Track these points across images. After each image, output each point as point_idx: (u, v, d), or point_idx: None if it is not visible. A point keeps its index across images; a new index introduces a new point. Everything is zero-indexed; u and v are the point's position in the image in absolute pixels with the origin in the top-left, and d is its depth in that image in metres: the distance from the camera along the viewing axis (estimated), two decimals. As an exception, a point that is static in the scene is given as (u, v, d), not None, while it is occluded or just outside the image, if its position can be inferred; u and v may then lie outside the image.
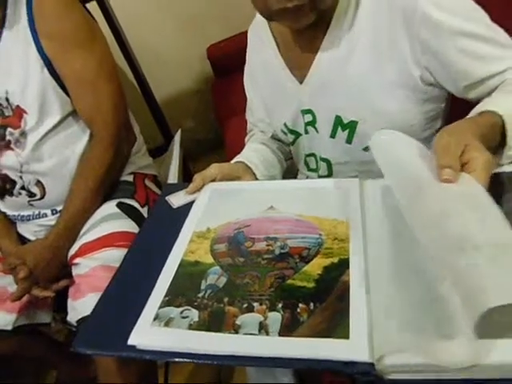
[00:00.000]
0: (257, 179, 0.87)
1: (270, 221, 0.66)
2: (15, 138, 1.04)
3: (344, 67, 0.76)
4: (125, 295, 0.63)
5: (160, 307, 0.56)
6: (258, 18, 0.89)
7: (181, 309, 0.55)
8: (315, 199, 0.69)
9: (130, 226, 1.04)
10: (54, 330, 1.30)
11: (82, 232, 1.04)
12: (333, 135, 0.84)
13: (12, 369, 1.32)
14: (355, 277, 0.53)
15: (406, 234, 0.53)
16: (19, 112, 1.02)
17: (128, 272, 0.68)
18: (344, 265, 0.55)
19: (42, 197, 1.09)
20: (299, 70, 0.83)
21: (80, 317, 0.94)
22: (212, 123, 1.98)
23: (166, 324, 0.53)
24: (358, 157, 0.83)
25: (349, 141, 0.82)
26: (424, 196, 0.51)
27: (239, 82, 1.04)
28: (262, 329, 0.50)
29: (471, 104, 0.70)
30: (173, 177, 1.29)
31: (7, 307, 1.03)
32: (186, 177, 1.46)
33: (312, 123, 0.86)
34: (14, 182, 1.08)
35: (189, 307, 0.55)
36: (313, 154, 0.92)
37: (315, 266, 0.56)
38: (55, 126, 1.04)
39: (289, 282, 0.55)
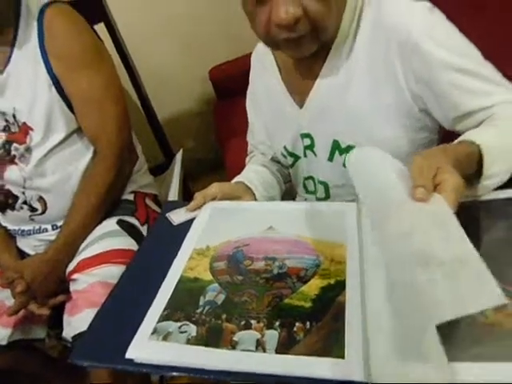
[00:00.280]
0: (256, 200, 0.88)
1: (269, 241, 0.68)
2: (20, 153, 1.06)
3: (342, 94, 0.79)
4: (123, 310, 0.64)
5: (158, 321, 0.57)
6: (262, 43, 0.92)
7: (179, 323, 0.56)
8: (314, 221, 0.70)
9: (130, 244, 1.05)
10: (48, 346, 1.29)
11: (81, 248, 1.05)
12: (330, 159, 0.86)
13: (6, 384, 1.31)
14: (351, 298, 0.54)
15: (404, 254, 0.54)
16: (25, 128, 1.04)
17: (126, 287, 0.69)
18: (340, 286, 0.56)
19: (44, 212, 1.11)
20: (299, 96, 0.86)
21: (76, 332, 0.94)
22: (212, 144, 2.00)
23: (164, 338, 0.54)
24: (355, 181, 0.85)
25: (346, 165, 0.84)
26: (393, 213, 0.53)
27: (240, 104, 1.07)
28: (259, 346, 0.51)
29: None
30: (173, 195, 1.30)
31: (3, 321, 1.03)
32: (186, 196, 1.47)
33: (311, 147, 0.88)
34: (16, 197, 1.10)
35: (187, 322, 0.56)
36: (311, 177, 0.94)
37: (312, 287, 0.57)
38: (60, 143, 1.06)
39: (286, 301, 0.56)
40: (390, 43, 0.72)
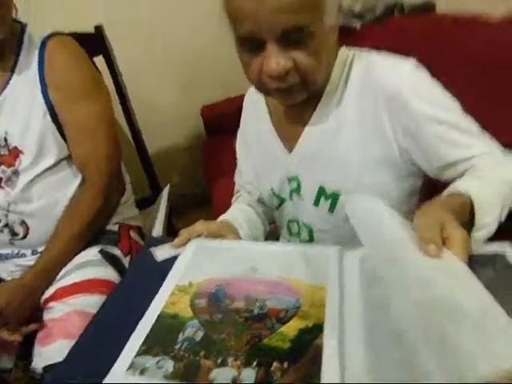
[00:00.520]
0: (240, 238, 0.90)
1: (251, 281, 0.68)
2: (7, 176, 1.06)
3: (330, 141, 0.82)
4: (100, 342, 0.63)
5: (136, 355, 0.56)
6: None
7: (157, 358, 0.55)
8: (296, 263, 0.71)
9: (110, 274, 1.05)
10: (14, 377, 1.25)
11: (59, 275, 1.03)
12: (316, 203, 0.88)
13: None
14: (329, 341, 0.55)
15: (382, 302, 0.55)
16: (16, 152, 1.05)
17: (106, 319, 0.69)
18: (319, 329, 0.57)
19: (25, 236, 1.10)
20: (289, 140, 0.89)
21: (48, 363, 0.91)
22: (199, 180, 2.02)
23: (141, 373, 0.54)
24: (339, 226, 0.87)
25: (331, 210, 0.87)
26: (406, 262, 0.53)
27: (230, 144, 1.09)
28: (236, 384, 0.51)
29: (445, 183, 0.75)
30: (157, 229, 1.31)
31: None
32: (170, 230, 1.48)
33: (297, 190, 0.91)
34: None
35: (165, 357, 0.55)
36: (296, 220, 0.96)
37: (291, 328, 0.58)
38: (49, 169, 1.07)
39: (265, 341, 0.57)
40: (378, 98, 0.76)
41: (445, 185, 0.74)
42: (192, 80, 2.10)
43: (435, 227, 0.55)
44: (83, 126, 1.07)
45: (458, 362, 0.39)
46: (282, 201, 0.96)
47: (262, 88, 0.78)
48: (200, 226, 0.84)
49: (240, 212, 0.97)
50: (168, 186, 1.55)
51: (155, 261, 0.78)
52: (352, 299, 0.61)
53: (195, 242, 0.81)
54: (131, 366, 0.55)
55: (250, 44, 0.71)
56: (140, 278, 0.77)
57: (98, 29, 1.46)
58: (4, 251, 1.12)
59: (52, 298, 1.00)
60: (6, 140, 1.05)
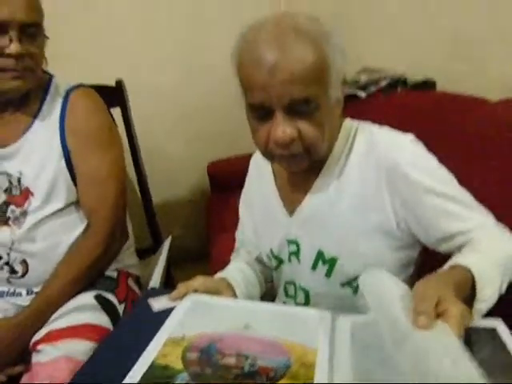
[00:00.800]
0: (236, 296, 0.91)
1: (244, 338, 0.69)
2: (15, 215, 1.09)
3: (330, 209, 0.86)
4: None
5: (124, 405, 0.57)
6: None
7: (145, 409, 0.56)
8: (289, 324, 0.72)
9: (103, 320, 1.05)
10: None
11: (52, 318, 1.03)
12: (314, 267, 0.90)
13: None
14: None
15: (371, 368, 0.56)
16: (26, 193, 1.08)
17: (97, 365, 0.69)
18: (307, 391, 0.58)
19: (23, 275, 1.11)
20: (291, 205, 0.92)
21: None
22: (200, 234, 2.04)
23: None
24: (335, 291, 0.89)
25: (328, 275, 0.89)
26: (405, 342, 0.54)
27: (233, 201, 1.13)
28: None
29: (441, 255, 0.78)
30: (156, 280, 1.31)
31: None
32: (168, 281, 1.48)
33: (296, 253, 0.93)
34: None
35: (153, 408, 0.56)
36: (293, 282, 0.97)
37: (281, 387, 0.58)
38: (56, 212, 1.10)
39: (254, 399, 0.57)
40: (379, 170, 0.81)
41: (441, 256, 0.77)
42: (201, 136, 2.18)
43: (432, 299, 0.56)
44: (94, 175, 1.11)
45: None
46: (280, 262, 0.98)
47: (267, 154, 0.82)
48: (198, 281, 0.86)
49: (238, 270, 0.99)
50: (170, 237, 1.57)
51: (151, 311, 0.80)
52: (342, 362, 0.62)
53: (192, 297, 0.83)
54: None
55: (259, 111, 0.77)
56: (134, 327, 0.78)
57: (119, 83, 1.55)
58: (0, 288, 1.13)
59: (42, 340, 0.99)
60: (19, 180, 1.09)
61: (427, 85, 1.63)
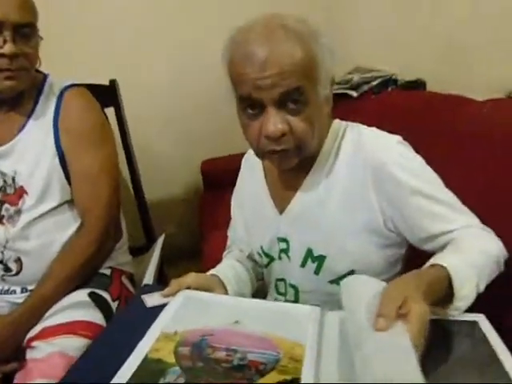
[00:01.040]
0: (227, 293, 0.93)
1: (234, 334, 0.71)
2: (9, 214, 1.10)
3: (319, 207, 0.88)
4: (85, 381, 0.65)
5: (117, 398, 0.58)
6: None
7: (138, 401, 0.57)
8: (279, 320, 0.74)
9: (97, 317, 1.06)
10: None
11: (47, 315, 1.04)
12: (303, 265, 0.92)
13: None
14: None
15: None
16: (21, 192, 1.10)
17: (90, 360, 0.71)
18: (295, 383, 0.59)
19: (17, 273, 1.12)
20: (280, 202, 0.94)
21: None
22: (193, 232, 2.06)
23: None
24: (323, 288, 0.91)
25: (316, 272, 0.91)
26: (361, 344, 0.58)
27: (226, 199, 1.14)
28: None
29: (428, 253, 0.80)
30: (149, 277, 1.33)
31: None
32: (161, 279, 1.50)
33: (286, 251, 0.95)
34: None
35: (145, 401, 0.57)
36: (283, 279, 0.99)
37: (269, 380, 0.60)
38: (50, 210, 1.11)
39: (243, 391, 0.59)
40: (366, 169, 0.83)
41: (427, 254, 0.79)
42: (194, 135, 2.19)
43: (395, 301, 0.59)
44: (87, 173, 1.13)
45: None
46: (271, 259, 1.00)
47: (259, 151, 0.84)
48: (190, 278, 0.88)
49: (229, 268, 1.01)
50: (163, 235, 1.59)
51: (144, 308, 0.81)
52: (329, 357, 0.65)
53: (184, 293, 0.84)
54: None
55: (251, 106, 0.79)
56: (128, 322, 0.79)
57: (112, 82, 1.56)
58: (-6, 286, 1.14)
59: (37, 336, 1.00)
60: (13, 179, 1.10)
61: (418, 84, 1.65)
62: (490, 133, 1.09)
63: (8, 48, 0.98)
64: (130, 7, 1.95)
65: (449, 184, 0.85)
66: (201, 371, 0.63)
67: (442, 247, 0.80)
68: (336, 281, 0.90)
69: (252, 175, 1.03)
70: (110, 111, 1.53)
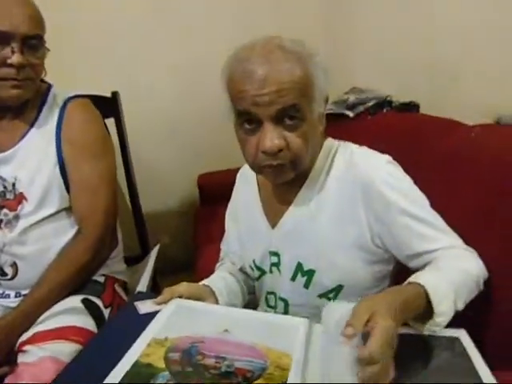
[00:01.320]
0: (218, 303, 0.95)
1: (223, 342, 0.74)
2: (8, 219, 1.12)
3: (310, 223, 0.91)
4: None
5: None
6: None
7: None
8: (267, 330, 0.77)
9: (88, 324, 1.07)
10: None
11: (39, 320, 1.05)
12: (293, 279, 0.95)
13: None
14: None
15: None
16: (20, 198, 1.12)
17: (82, 363, 0.73)
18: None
19: (13, 278, 1.14)
20: (273, 217, 0.97)
21: None
22: (187, 244, 2.07)
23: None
24: (313, 301, 0.93)
25: (306, 286, 0.93)
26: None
27: (221, 213, 1.17)
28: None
29: (414, 270, 0.83)
30: (142, 287, 1.34)
31: None
32: (154, 289, 1.51)
33: (277, 265, 0.98)
34: None
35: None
36: (273, 293, 1.01)
37: (255, 387, 0.63)
38: (48, 217, 1.14)
39: (229, 397, 0.61)
40: (356, 187, 0.86)
41: (414, 271, 0.82)
42: (191, 149, 2.22)
43: (363, 315, 0.62)
44: (86, 182, 1.15)
45: None
46: (262, 273, 1.02)
47: (255, 165, 0.87)
48: (182, 287, 0.91)
49: (221, 279, 1.03)
50: (158, 246, 1.61)
51: (137, 314, 0.83)
52: (314, 368, 0.67)
53: (176, 301, 0.87)
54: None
55: (248, 121, 0.82)
56: (120, 328, 0.81)
57: (114, 94, 1.59)
58: (-12, 290, 1.16)
59: (29, 341, 1.01)
60: (13, 185, 1.12)
61: (411, 107, 1.70)
62: (477, 156, 1.12)
63: (16, 58, 1.01)
64: (133, 20, 1.99)
65: (436, 204, 0.88)
66: (189, 376, 0.65)
67: (425, 265, 0.82)
68: (325, 295, 0.92)
69: (246, 189, 1.06)
70: (111, 122, 1.56)
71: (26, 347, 1.00)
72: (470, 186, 1.09)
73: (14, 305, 1.09)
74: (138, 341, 0.73)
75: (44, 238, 1.14)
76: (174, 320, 0.80)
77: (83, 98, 1.22)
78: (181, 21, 2.06)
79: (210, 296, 0.95)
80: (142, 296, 0.91)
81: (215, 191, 1.95)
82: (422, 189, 0.89)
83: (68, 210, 1.17)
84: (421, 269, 0.81)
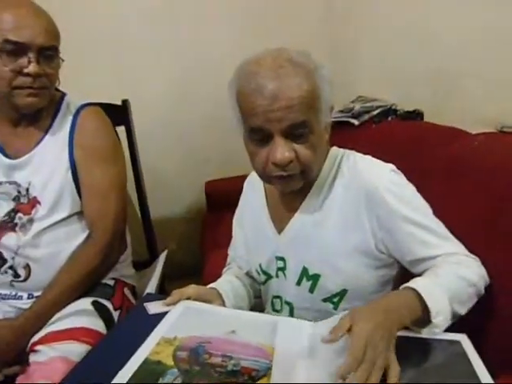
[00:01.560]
0: (225, 305, 0.97)
1: (230, 342, 0.76)
2: (22, 222, 1.16)
3: (316, 229, 0.93)
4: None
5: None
6: None
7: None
8: (272, 331, 0.79)
9: (98, 325, 1.10)
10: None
11: (51, 321, 1.08)
12: (298, 283, 0.97)
13: None
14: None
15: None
16: (34, 202, 1.15)
17: (92, 361, 0.75)
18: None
19: (26, 279, 1.17)
20: (280, 223, 1.00)
21: None
22: (195, 251, 2.10)
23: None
24: (317, 306, 0.96)
25: (311, 290, 0.95)
26: None
27: (228, 220, 1.20)
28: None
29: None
30: (150, 291, 1.37)
31: None
32: (161, 294, 1.54)
33: (283, 269, 1.00)
34: (4, 260, 1.16)
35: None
36: (279, 297, 1.04)
37: (261, 385, 0.65)
38: (61, 221, 1.17)
39: (235, 394, 0.64)
40: (360, 194, 0.88)
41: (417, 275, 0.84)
42: (199, 156, 2.25)
43: (346, 322, 0.68)
44: (97, 187, 1.19)
45: None
46: (268, 277, 1.05)
47: (265, 176, 0.90)
48: (191, 289, 0.94)
49: (228, 283, 1.06)
50: (166, 251, 1.64)
51: (146, 315, 0.86)
52: (317, 366, 0.69)
53: (184, 303, 0.90)
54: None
55: (258, 135, 0.84)
56: (131, 327, 0.84)
57: (125, 102, 1.63)
58: (3, 291, 1.19)
59: (40, 341, 1.04)
60: (27, 190, 1.16)
61: (416, 115, 1.72)
62: (480, 165, 1.13)
63: (32, 68, 1.05)
64: (142, 29, 2.03)
65: (439, 212, 0.90)
66: (196, 374, 0.68)
67: (426, 271, 0.85)
68: (329, 299, 0.94)
69: (254, 196, 1.08)
70: (121, 129, 1.59)
71: (38, 347, 1.03)
72: (474, 193, 1.11)
73: (26, 306, 1.12)
74: (148, 339, 0.76)
75: (56, 242, 1.17)
76: (183, 320, 0.83)
77: (95, 106, 1.26)
78: (189, 27, 2.10)
79: (217, 298, 0.97)
80: (152, 297, 0.94)
81: (222, 198, 1.97)
82: (425, 196, 0.91)
83: (80, 214, 1.21)
84: (422, 274, 0.83)
